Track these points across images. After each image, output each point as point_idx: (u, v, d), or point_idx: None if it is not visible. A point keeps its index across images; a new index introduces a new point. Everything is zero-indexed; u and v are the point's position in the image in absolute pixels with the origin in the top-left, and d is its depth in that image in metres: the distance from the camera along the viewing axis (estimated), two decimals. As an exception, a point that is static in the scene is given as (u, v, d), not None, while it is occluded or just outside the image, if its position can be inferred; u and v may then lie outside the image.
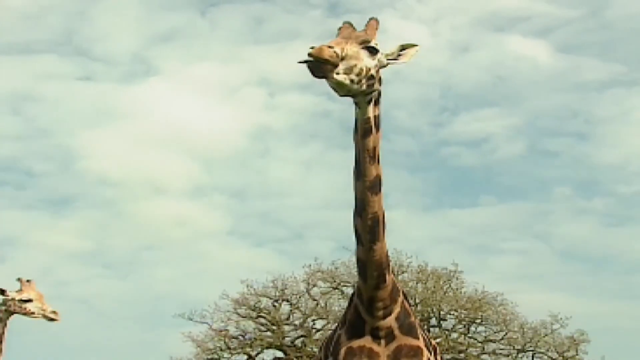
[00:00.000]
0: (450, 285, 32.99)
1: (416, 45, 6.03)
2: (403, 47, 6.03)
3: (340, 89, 5.58)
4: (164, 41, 59.02)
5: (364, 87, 5.65)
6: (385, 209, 5.94)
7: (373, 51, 5.73)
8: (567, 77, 54.99)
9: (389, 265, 6.08)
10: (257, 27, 58.36)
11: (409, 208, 46.74)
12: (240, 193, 54.91)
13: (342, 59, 5.50)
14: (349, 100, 5.83)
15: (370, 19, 6.00)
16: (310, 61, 5.37)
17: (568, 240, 49.59)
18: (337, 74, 5.47)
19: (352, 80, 5.55)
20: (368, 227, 5.89)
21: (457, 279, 33.05)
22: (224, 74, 56.33)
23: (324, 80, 5.49)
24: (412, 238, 41.68)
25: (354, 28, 5.89)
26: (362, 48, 5.67)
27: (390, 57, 5.95)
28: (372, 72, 5.68)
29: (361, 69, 5.59)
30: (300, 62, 5.39)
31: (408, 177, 49.42)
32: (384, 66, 5.90)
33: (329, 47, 5.44)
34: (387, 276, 6.02)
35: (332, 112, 49.09)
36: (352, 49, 5.57)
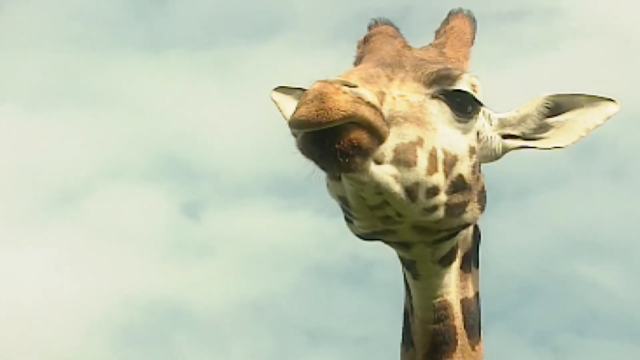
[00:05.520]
0: None
1: (610, 101, 2.83)
2: (557, 104, 2.76)
3: (372, 212, 2.51)
4: None
5: (440, 212, 2.55)
6: None
7: (465, 108, 2.60)
8: None
9: None
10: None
11: None
12: None
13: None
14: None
15: (452, 12, 2.84)
16: (314, 124, 2.32)
17: None
18: (378, 163, 2.42)
19: (407, 189, 2.46)
20: None
21: None
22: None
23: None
24: None
25: (403, 39, 2.75)
26: (435, 97, 2.60)
27: (513, 127, 2.75)
28: (464, 168, 2.58)
29: (432, 156, 2.49)
30: (295, 126, 2.40)
31: None
32: (497, 157, 2.77)
33: (347, 85, 2.33)
34: None
35: (372, 266, 16.68)
36: (408, 97, 2.49)
